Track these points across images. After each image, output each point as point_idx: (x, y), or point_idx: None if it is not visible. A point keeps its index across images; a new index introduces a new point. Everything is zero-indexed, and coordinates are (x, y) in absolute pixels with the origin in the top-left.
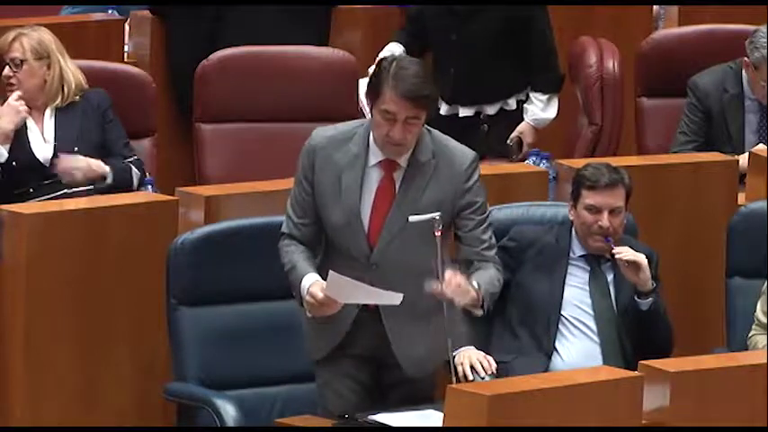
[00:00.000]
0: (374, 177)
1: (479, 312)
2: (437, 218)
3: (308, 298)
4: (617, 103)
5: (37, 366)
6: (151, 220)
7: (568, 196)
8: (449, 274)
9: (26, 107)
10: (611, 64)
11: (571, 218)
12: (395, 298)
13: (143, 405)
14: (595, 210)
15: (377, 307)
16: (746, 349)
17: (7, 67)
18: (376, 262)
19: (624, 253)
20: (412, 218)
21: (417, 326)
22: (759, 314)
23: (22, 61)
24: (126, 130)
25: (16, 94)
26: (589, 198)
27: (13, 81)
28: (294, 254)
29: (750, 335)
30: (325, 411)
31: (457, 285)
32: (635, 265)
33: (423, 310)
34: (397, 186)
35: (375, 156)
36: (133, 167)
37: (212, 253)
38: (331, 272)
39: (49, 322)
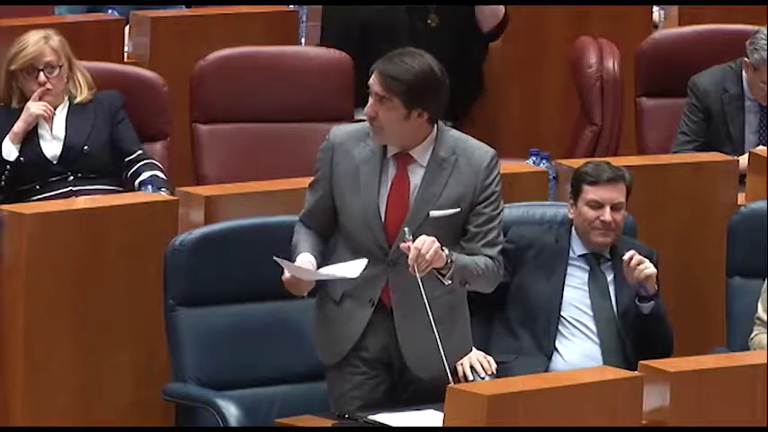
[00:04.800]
0: (390, 172)
1: (446, 282)
2: (458, 212)
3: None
4: (617, 103)
5: (37, 366)
6: (151, 220)
7: (568, 196)
8: (419, 240)
9: (46, 110)
10: (611, 64)
11: (570, 216)
12: (356, 269)
13: (143, 405)
14: (597, 205)
15: (390, 308)
16: (747, 349)
17: (41, 72)
18: (394, 259)
19: (645, 265)
20: (434, 212)
21: (430, 327)
22: (760, 313)
23: (57, 66)
24: (138, 133)
25: (37, 95)
26: (591, 193)
27: (49, 86)
28: (300, 234)
29: (752, 335)
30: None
31: (423, 254)
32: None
33: (438, 311)
34: (415, 182)
35: (391, 149)
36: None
37: (210, 253)
38: (294, 263)
39: (49, 322)
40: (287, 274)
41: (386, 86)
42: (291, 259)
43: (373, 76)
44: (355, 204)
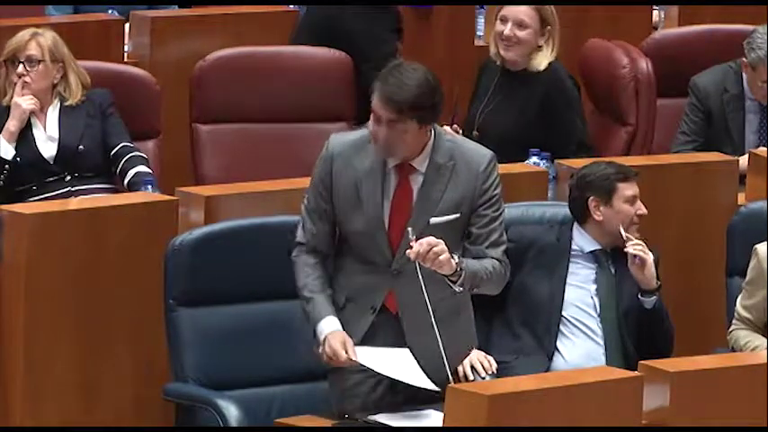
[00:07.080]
0: (392, 182)
1: (457, 288)
2: (457, 218)
3: (326, 349)
4: (651, 103)
5: (37, 366)
6: (151, 220)
7: (581, 197)
8: (427, 239)
9: (34, 103)
10: (645, 64)
11: (598, 218)
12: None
13: (143, 405)
14: (634, 199)
15: (395, 313)
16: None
17: (21, 65)
18: (397, 268)
19: (637, 246)
20: (433, 219)
21: (432, 329)
22: (740, 309)
23: (39, 61)
24: (130, 131)
25: (19, 88)
26: (628, 189)
27: (27, 80)
28: (309, 277)
29: (730, 329)
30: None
31: (435, 254)
32: (642, 262)
33: (442, 316)
34: (415, 190)
35: (392, 161)
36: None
37: (210, 253)
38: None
39: (49, 322)
40: (342, 357)
41: (396, 111)
42: (307, 311)
43: (377, 101)
44: (358, 217)
